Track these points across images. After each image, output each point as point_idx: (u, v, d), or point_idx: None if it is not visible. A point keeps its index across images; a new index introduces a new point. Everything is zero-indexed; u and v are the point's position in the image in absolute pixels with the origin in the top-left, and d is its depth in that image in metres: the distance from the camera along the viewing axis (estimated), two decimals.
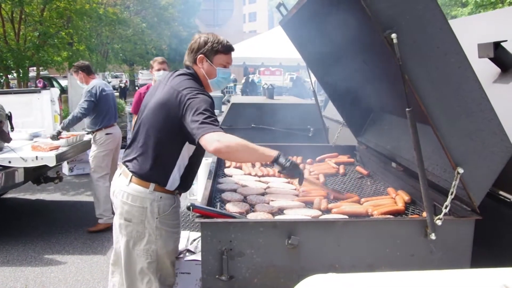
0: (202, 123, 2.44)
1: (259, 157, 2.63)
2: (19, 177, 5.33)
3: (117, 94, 25.80)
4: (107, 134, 6.00)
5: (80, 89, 7.81)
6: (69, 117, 5.85)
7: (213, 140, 2.39)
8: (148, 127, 2.69)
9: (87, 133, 6.14)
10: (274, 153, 2.56)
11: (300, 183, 2.70)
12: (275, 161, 2.55)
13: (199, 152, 2.77)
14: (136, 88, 31.36)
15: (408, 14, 1.98)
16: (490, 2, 14.34)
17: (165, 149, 2.66)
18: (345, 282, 1.49)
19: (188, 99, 2.53)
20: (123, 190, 2.74)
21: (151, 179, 2.67)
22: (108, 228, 5.92)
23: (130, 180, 2.71)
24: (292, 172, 2.57)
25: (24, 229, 6.03)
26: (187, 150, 2.69)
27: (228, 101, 7.93)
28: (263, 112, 6.34)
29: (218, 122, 2.51)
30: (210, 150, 2.40)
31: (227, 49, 2.80)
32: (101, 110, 5.94)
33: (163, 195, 2.68)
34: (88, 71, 6.12)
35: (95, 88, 5.88)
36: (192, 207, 2.23)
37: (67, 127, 5.90)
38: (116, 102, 6.24)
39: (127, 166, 2.78)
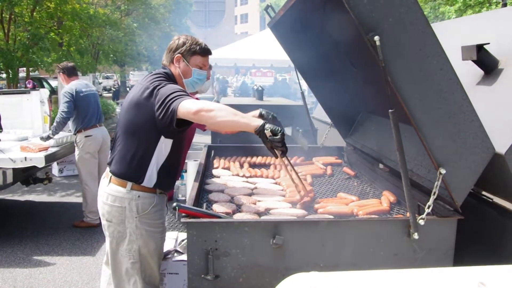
0: (174, 97, 2.48)
1: (243, 119, 2.43)
2: (8, 178, 5.31)
3: (110, 95, 25.79)
4: (86, 136, 5.90)
5: None
6: (54, 123, 5.79)
7: (192, 103, 2.41)
8: (123, 127, 2.73)
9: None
10: (260, 121, 2.43)
11: (283, 156, 2.54)
12: (262, 128, 2.38)
13: (178, 147, 2.79)
14: (127, 89, 31.23)
15: (391, 17, 2.02)
16: (478, 2, 14.46)
17: (139, 146, 2.68)
18: (327, 280, 1.51)
19: (158, 90, 2.58)
20: (104, 191, 2.78)
21: (128, 177, 2.70)
22: (94, 228, 6.00)
23: (110, 181, 2.75)
24: (277, 141, 2.38)
25: (12, 230, 6.01)
26: (164, 145, 2.70)
27: (218, 102, 7.94)
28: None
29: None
30: (193, 111, 2.37)
31: (204, 51, 2.88)
32: (79, 111, 5.85)
33: (141, 193, 2.70)
34: (68, 73, 6.05)
35: (72, 89, 5.80)
36: (178, 207, 2.25)
37: (55, 133, 5.83)
38: (98, 103, 6.14)
39: (109, 167, 2.82)
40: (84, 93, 5.90)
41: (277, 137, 2.38)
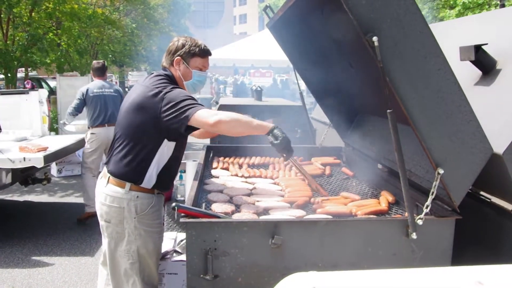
0: (189, 105, 2.51)
1: (257, 127, 2.62)
2: (7, 178, 5.32)
3: None
4: (91, 133, 6.36)
5: (69, 90, 8.53)
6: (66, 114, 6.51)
7: (210, 114, 2.47)
8: (124, 128, 2.74)
9: None
10: (270, 125, 2.62)
11: (287, 159, 2.77)
12: (271, 131, 2.59)
13: (179, 149, 2.80)
14: (126, 89, 31.16)
15: (389, 18, 2.02)
16: (478, 4, 14.47)
17: (141, 148, 2.69)
18: (325, 280, 1.52)
19: (165, 93, 2.59)
20: (102, 191, 2.78)
21: (126, 178, 2.71)
22: (93, 228, 6.00)
23: (108, 181, 2.76)
24: (283, 146, 2.59)
25: (11, 230, 6.01)
26: (167, 148, 2.71)
27: (217, 103, 7.96)
28: (251, 114, 6.36)
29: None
30: (210, 123, 2.44)
31: (204, 52, 2.88)
32: (88, 110, 6.34)
33: (140, 194, 2.71)
34: (93, 73, 6.60)
35: (84, 88, 6.35)
36: (177, 207, 2.25)
37: (69, 122, 6.57)
38: (108, 104, 6.36)
39: (107, 168, 2.82)
40: (94, 94, 6.31)
41: (277, 141, 2.57)
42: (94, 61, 6.74)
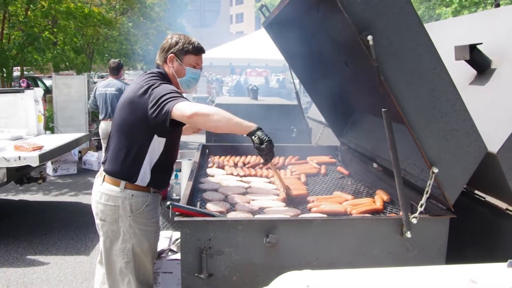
0: (169, 98, 2.50)
1: (237, 125, 2.51)
2: (2, 177, 5.29)
3: None
4: (99, 125, 7.54)
5: (65, 89, 8.98)
6: None
7: (187, 105, 2.44)
8: (117, 125, 2.75)
9: None
10: (253, 125, 2.52)
11: (266, 163, 2.65)
12: (255, 133, 2.49)
13: (171, 146, 2.79)
14: None
15: (384, 17, 2.02)
16: (474, 2, 14.53)
17: (133, 145, 2.69)
18: (320, 278, 1.52)
19: (152, 89, 2.59)
20: (97, 190, 2.79)
21: (121, 176, 2.70)
22: (88, 227, 5.96)
23: (103, 180, 2.75)
24: (268, 150, 2.50)
25: (6, 229, 5.98)
26: (157, 144, 2.71)
27: (213, 102, 7.98)
28: (247, 113, 6.34)
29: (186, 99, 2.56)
30: (187, 115, 2.41)
31: (197, 50, 2.88)
32: (99, 106, 7.39)
33: (135, 192, 2.70)
34: (109, 71, 7.61)
35: (95, 87, 7.54)
36: (172, 206, 2.25)
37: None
38: (111, 103, 7.17)
39: (103, 166, 2.82)
40: (99, 92, 7.36)
41: (262, 146, 2.49)
42: (111, 60, 7.67)
